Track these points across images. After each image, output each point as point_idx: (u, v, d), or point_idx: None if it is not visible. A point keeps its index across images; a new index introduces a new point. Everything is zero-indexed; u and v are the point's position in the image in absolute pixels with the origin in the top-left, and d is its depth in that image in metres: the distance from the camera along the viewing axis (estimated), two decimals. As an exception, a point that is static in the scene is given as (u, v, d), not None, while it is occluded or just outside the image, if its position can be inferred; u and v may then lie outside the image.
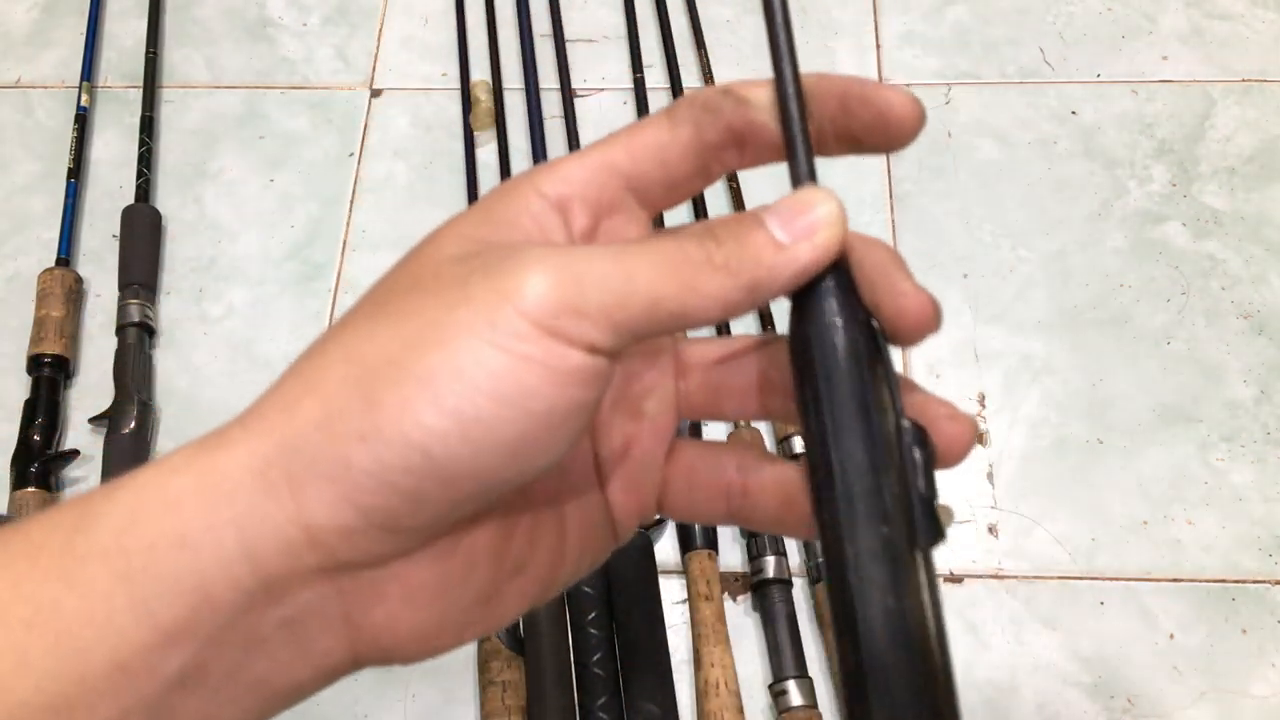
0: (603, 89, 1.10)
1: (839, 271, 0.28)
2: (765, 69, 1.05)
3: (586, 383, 0.25)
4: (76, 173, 1.04)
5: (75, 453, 0.89)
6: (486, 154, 1.06)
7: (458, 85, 1.11)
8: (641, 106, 1.07)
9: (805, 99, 0.28)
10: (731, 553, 0.85)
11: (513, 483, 0.26)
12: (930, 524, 0.27)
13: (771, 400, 0.32)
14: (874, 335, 0.28)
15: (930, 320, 0.28)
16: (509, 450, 0.25)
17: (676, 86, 1.08)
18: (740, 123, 0.29)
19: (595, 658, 0.79)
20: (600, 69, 1.11)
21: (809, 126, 0.28)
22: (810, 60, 1.09)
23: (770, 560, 0.82)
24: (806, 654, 0.79)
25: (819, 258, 0.27)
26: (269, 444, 0.26)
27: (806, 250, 0.27)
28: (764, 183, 1.03)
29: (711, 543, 0.83)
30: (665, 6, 1.13)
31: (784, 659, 0.79)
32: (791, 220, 0.27)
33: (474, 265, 0.26)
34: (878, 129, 0.29)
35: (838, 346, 0.26)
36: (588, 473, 0.32)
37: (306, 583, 0.26)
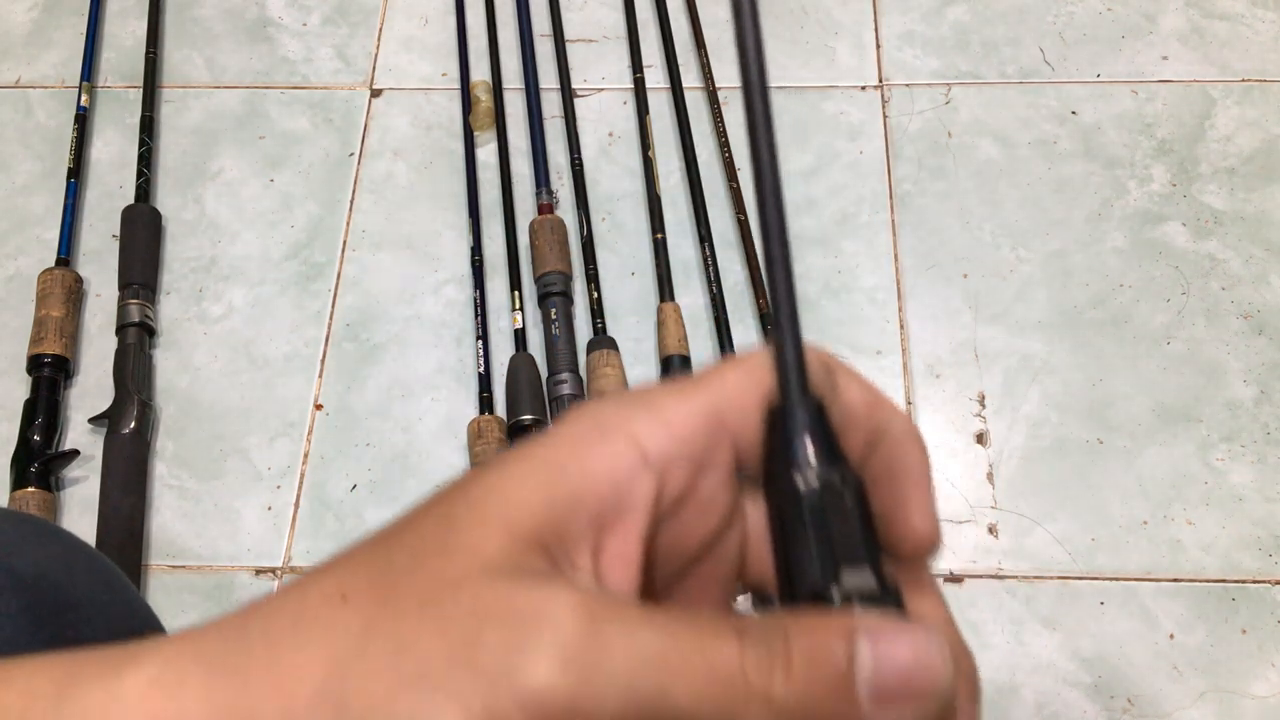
0: (603, 89, 1.10)
1: (819, 415, 0.25)
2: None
3: None
4: (76, 173, 1.04)
5: (75, 453, 0.89)
6: (486, 154, 1.06)
7: (458, 85, 1.11)
8: (641, 106, 1.07)
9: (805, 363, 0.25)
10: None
11: None
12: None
13: None
14: (846, 490, 0.25)
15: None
16: None
17: (677, 86, 1.08)
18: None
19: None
20: (600, 69, 1.11)
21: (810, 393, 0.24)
22: (810, 60, 1.10)
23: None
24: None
25: None
26: None
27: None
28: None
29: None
30: (665, 6, 1.13)
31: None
32: (888, 677, 0.22)
33: (496, 605, 0.23)
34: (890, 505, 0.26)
35: (796, 506, 0.24)
36: None
37: None
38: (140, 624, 0.49)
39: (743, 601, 0.27)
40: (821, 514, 0.24)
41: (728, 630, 0.22)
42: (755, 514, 0.27)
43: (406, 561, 0.24)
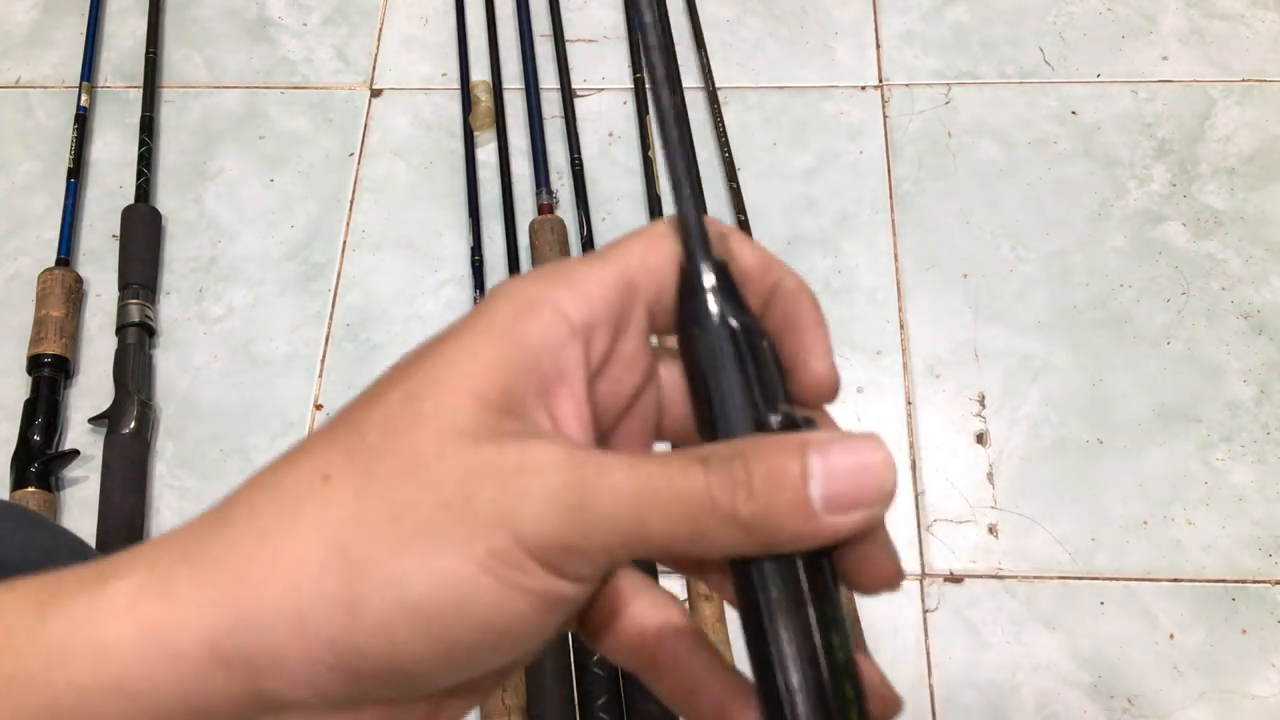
0: (603, 89, 1.10)
1: (724, 273, 0.27)
2: (764, 68, 1.04)
3: (570, 606, 0.25)
4: (76, 173, 1.04)
5: (75, 453, 0.89)
6: (486, 154, 1.06)
7: (458, 85, 1.11)
8: (641, 106, 1.07)
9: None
10: (731, 553, 0.85)
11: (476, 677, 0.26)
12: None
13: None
14: (757, 335, 0.27)
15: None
16: (485, 663, 0.25)
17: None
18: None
19: (595, 657, 0.79)
20: (600, 69, 1.11)
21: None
22: (810, 60, 1.10)
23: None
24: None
25: (847, 535, 0.24)
26: (226, 615, 0.24)
27: (840, 526, 0.24)
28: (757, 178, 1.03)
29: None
30: (665, 6, 1.13)
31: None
32: (838, 485, 0.24)
33: (485, 464, 0.24)
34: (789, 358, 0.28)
35: (720, 350, 0.26)
36: None
37: None
38: None
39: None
40: (753, 350, 0.26)
41: (692, 462, 0.24)
42: (667, 374, 0.29)
43: (380, 436, 0.25)
